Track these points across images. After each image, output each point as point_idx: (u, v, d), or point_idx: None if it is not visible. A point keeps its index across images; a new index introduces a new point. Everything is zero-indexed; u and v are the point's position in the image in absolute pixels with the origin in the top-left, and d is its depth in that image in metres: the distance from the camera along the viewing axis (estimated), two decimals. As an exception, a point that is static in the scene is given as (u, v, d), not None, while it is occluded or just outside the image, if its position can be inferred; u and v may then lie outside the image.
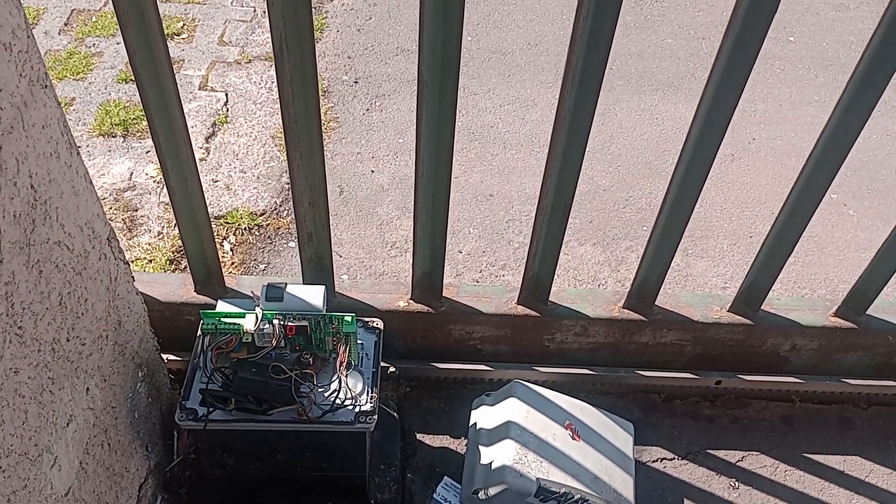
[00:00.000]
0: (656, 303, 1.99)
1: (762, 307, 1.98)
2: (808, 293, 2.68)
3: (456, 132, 1.51)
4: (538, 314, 1.97)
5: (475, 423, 1.93)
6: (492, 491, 1.74)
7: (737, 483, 2.07)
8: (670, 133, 3.34)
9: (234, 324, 1.57)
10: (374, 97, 3.33)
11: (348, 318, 1.58)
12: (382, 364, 2.04)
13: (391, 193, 2.85)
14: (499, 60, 3.68)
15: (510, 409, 1.84)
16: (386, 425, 2.03)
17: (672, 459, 2.11)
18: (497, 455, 1.77)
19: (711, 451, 2.14)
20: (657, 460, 2.11)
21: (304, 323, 1.59)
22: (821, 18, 4.19)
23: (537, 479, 1.72)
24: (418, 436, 2.11)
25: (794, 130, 3.41)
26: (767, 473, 2.10)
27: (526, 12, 4.02)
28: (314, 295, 1.61)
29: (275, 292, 1.60)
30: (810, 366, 2.11)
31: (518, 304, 1.98)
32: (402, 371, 2.08)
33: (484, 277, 2.62)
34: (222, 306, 1.64)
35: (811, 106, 3.56)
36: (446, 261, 2.70)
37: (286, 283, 1.62)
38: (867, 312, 1.99)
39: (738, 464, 2.12)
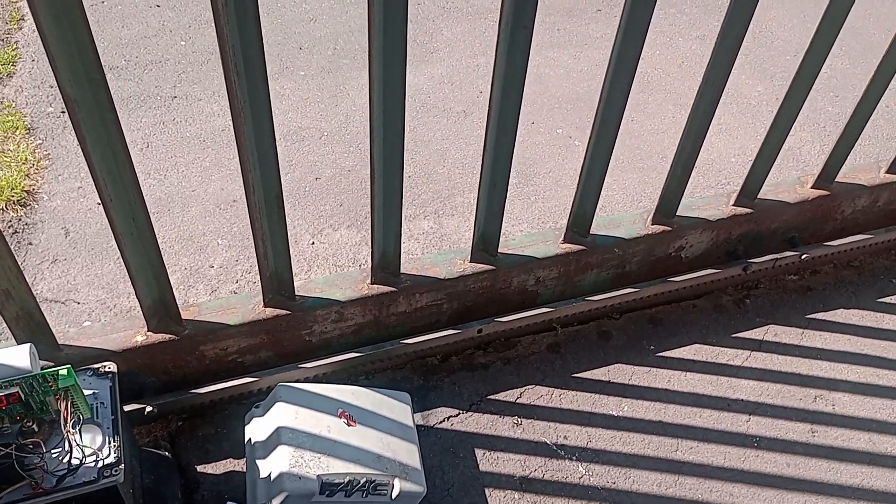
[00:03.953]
0: (402, 271, 2.00)
1: (500, 250, 2.07)
2: (553, 225, 2.84)
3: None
4: (288, 311, 1.92)
5: (250, 439, 1.85)
6: (275, 502, 1.67)
7: (519, 420, 2.16)
8: (404, 102, 3.36)
9: (-74, 414, 1.37)
10: (86, 124, 3.06)
11: (63, 372, 1.44)
12: (137, 405, 1.90)
13: (125, 223, 2.63)
14: (218, 62, 3.52)
15: (278, 415, 1.78)
16: (158, 468, 1.89)
17: (457, 415, 2.16)
18: (273, 465, 1.71)
19: (492, 397, 2.21)
20: (444, 420, 2.15)
21: (15, 389, 1.42)
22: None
23: (318, 476, 1.68)
24: (199, 468, 1.99)
25: (516, 77, 3.58)
26: (544, 402, 2.21)
27: (239, 7, 3.87)
28: (18, 357, 1.45)
29: (-32, 366, 1.41)
30: (558, 293, 2.24)
31: (266, 307, 1.91)
32: (163, 406, 1.95)
33: (241, 287, 2.51)
34: None
35: (528, 51, 3.75)
36: (199, 279, 2.58)
37: (-18, 353, 1.44)
38: (591, 232, 2.14)
39: (517, 401, 2.21)
